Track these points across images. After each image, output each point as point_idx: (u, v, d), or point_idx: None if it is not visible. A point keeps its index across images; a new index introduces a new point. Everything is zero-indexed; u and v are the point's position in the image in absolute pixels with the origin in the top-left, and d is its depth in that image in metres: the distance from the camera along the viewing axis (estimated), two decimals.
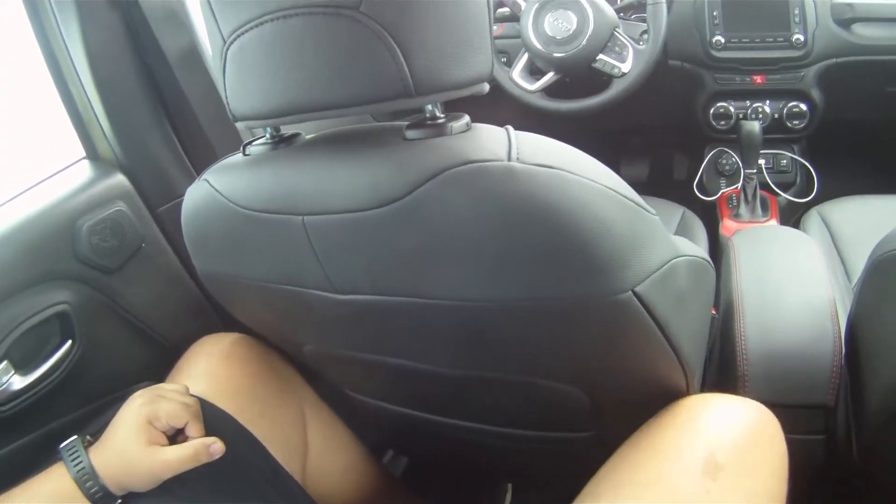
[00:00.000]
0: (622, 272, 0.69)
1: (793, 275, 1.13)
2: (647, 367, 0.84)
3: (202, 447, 0.87)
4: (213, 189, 0.85)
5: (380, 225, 0.71)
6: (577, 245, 0.66)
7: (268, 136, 0.84)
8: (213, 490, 0.91)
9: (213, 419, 0.95)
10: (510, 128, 0.72)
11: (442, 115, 0.73)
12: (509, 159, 0.66)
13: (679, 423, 0.83)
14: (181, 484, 0.86)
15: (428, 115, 0.73)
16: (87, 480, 0.82)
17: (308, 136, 0.84)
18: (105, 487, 0.83)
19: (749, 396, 0.91)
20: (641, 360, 0.82)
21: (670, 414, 0.85)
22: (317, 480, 1.18)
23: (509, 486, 1.54)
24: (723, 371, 1.09)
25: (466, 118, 0.73)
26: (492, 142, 0.69)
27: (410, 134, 0.72)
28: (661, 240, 0.76)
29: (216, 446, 0.87)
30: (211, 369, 1.09)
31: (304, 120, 0.72)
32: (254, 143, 0.85)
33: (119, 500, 0.85)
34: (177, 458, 0.85)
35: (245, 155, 0.85)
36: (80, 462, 0.83)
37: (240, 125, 0.83)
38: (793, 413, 0.97)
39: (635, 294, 0.71)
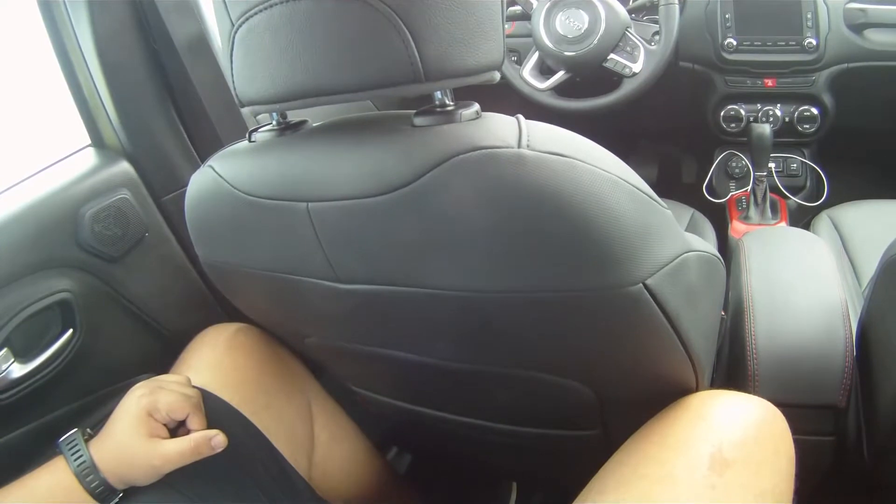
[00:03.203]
0: (632, 264, 0.68)
1: (803, 275, 1.12)
2: (655, 363, 0.82)
3: (203, 440, 0.85)
4: (217, 175, 0.84)
5: (384, 212, 0.70)
6: (587, 235, 0.65)
7: (274, 122, 0.83)
8: (215, 484, 0.90)
9: (216, 411, 0.94)
10: (521, 116, 0.71)
11: (451, 103, 0.72)
12: (519, 146, 0.65)
13: (686, 418, 0.81)
14: (183, 477, 0.86)
15: (437, 102, 0.72)
16: (88, 475, 0.81)
17: (315, 124, 0.83)
18: (106, 481, 0.82)
19: (759, 396, 0.90)
20: (650, 356, 0.81)
21: (677, 408, 0.83)
22: (322, 475, 1.17)
23: (514, 484, 1.52)
24: (732, 371, 1.08)
25: (476, 106, 0.72)
26: (502, 129, 0.68)
27: (418, 121, 0.71)
28: (672, 233, 0.75)
29: (218, 439, 0.87)
30: (215, 360, 1.08)
31: (311, 105, 0.71)
32: (259, 130, 0.84)
33: (120, 495, 0.84)
34: (177, 451, 0.84)
35: (250, 142, 0.84)
36: (81, 456, 0.82)
37: (246, 113, 0.82)
38: (803, 413, 0.96)
39: (646, 287, 0.69)
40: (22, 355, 1.06)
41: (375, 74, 0.66)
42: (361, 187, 0.70)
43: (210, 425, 0.89)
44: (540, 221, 0.65)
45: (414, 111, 0.73)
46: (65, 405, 1.12)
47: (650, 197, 0.72)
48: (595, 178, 0.66)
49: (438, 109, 0.71)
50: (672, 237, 0.75)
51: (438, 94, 0.71)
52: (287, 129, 0.82)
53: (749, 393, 0.94)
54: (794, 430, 0.84)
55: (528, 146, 0.65)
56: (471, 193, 0.65)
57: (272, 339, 1.16)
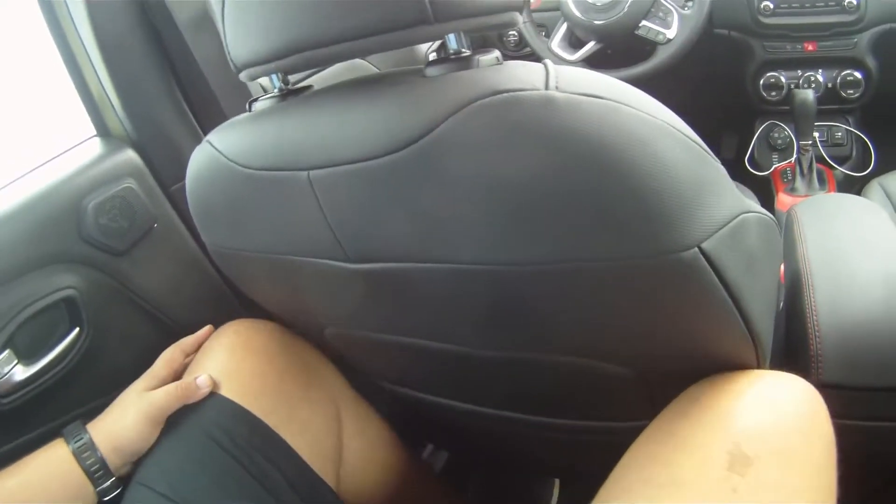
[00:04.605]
0: (686, 225, 0.59)
1: (864, 244, 1.02)
2: (710, 342, 0.73)
3: (189, 381, 0.91)
4: (213, 149, 0.77)
5: (394, 174, 0.62)
6: (634, 189, 0.56)
7: (276, 89, 0.76)
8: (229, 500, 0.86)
9: (239, 424, 0.91)
10: (548, 61, 0.62)
11: (467, 49, 0.64)
12: (547, 88, 0.57)
13: (694, 409, 0.71)
14: (189, 491, 0.83)
15: (451, 49, 0.64)
16: (85, 451, 0.83)
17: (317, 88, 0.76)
18: (103, 461, 0.84)
19: (824, 379, 0.82)
20: (705, 334, 0.71)
21: (689, 397, 0.73)
22: (354, 487, 1.07)
23: (556, 481, 1.45)
24: (791, 351, 0.99)
25: (496, 53, 0.64)
26: (526, 72, 0.59)
27: (430, 71, 0.63)
28: (728, 189, 0.66)
29: (202, 378, 0.92)
30: (232, 365, 0.98)
31: (311, 64, 0.64)
32: (260, 99, 0.77)
33: (113, 478, 0.85)
34: (162, 393, 0.90)
35: (250, 111, 0.77)
36: (80, 437, 0.85)
37: (255, 90, 0.75)
38: (874, 396, 0.86)
39: (701, 251, 0.60)
40: (26, 357, 0.99)
41: (378, 17, 0.58)
42: (367, 148, 0.63)
43: (236, 440, 0.90)
44: (576, 175, 0.56)
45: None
46: (73, 409, 1.05)
47: (703, 148, 0.64)
48: (642, 123, 0.58)
49: (453, 56, 0.63)
50: (728, 194, 0.66)
51: (452, 40, 0.63)
52: (289, 94, 0.75)
53: (812, 375, 0.86)
54: (865, 415, 0.78)
55: (557, 88, 0.57)
56: (492, 145, 0.57)
57: (296, 338, 1.07)
